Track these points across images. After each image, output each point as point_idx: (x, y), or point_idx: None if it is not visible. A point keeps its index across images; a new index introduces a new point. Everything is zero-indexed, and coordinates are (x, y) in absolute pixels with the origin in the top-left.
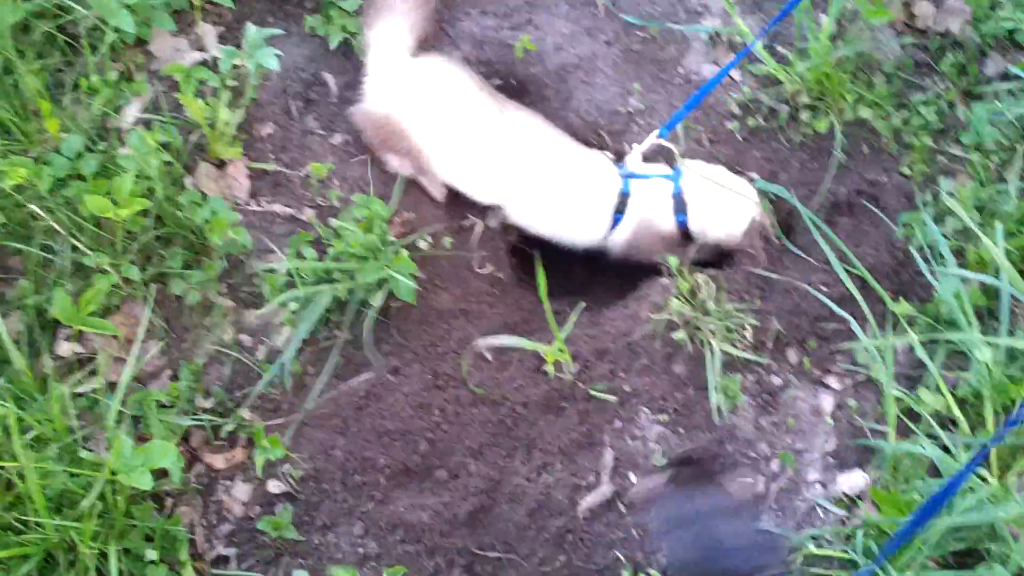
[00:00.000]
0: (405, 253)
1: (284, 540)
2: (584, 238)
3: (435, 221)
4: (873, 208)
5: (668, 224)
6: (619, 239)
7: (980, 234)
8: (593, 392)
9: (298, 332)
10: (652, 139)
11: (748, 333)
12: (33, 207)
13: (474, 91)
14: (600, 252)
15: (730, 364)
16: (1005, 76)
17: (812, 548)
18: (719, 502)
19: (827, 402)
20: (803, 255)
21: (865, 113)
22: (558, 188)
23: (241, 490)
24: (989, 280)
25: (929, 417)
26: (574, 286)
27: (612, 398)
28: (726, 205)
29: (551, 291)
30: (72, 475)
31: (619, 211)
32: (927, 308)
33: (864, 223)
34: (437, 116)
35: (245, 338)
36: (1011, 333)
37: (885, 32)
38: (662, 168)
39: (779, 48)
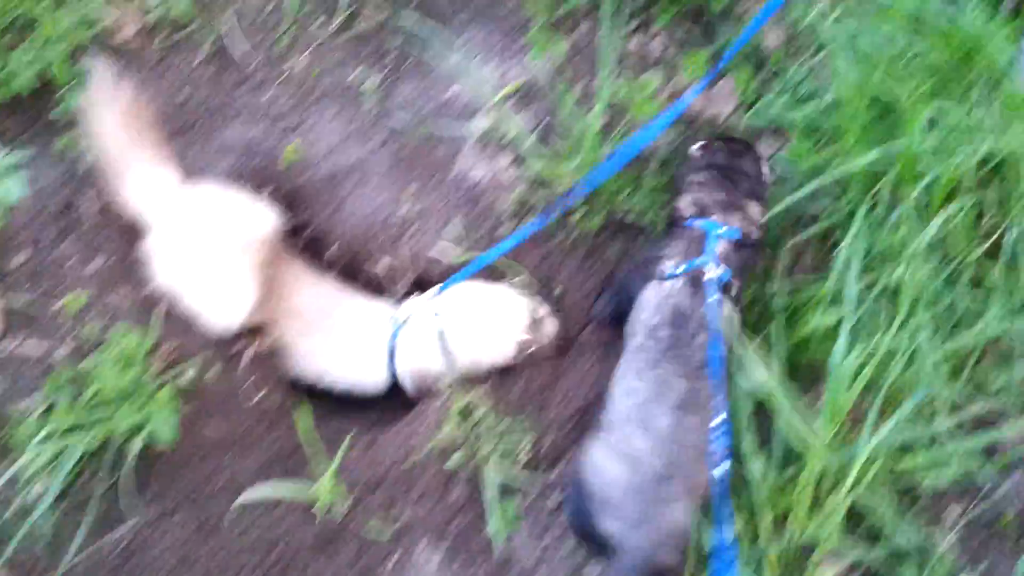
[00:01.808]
0: (167, 391)
1: None
2: (368, 391)
3: (203, 348)
4: None
5: (439, 365)
6: (406, 386)
7: None
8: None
9: (52, 485)
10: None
11: (525, 450)
12: None
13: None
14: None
15: (508, 487)
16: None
17: None
18: None
19: None
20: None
21: (640, 205)
22: (331, 344)
23: None
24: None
25: None
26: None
27: (386, 534)
28: (489, 334)
29: (328, 410)
30: None
31: (391, 358)
32: None
33: None
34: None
35: None
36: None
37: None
38: (421, 301)
39: (555, 143)
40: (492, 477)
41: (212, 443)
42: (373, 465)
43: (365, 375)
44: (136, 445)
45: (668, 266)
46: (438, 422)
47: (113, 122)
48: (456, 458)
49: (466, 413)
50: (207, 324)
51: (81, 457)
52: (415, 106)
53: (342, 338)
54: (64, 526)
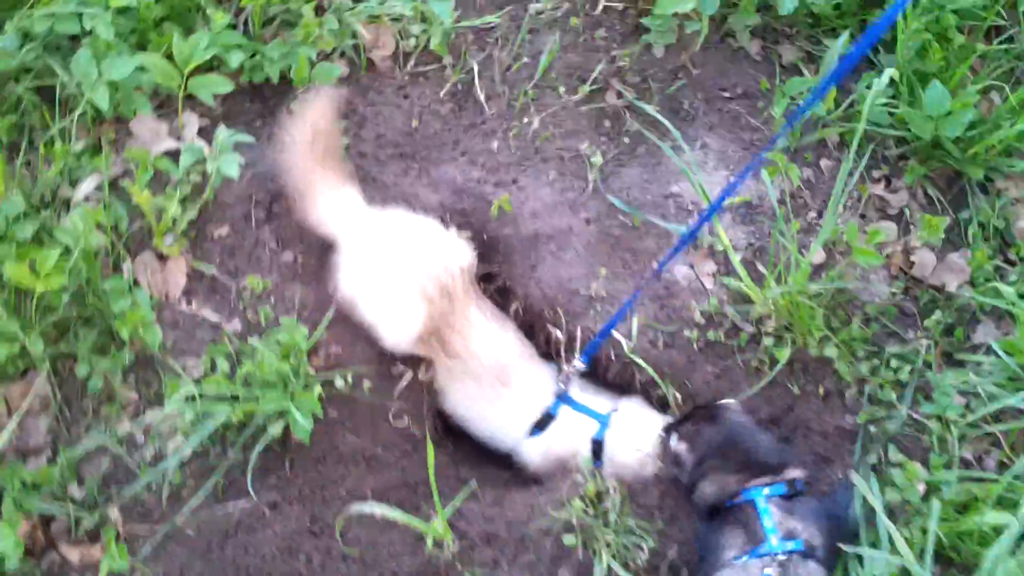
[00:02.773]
0: (317, 390)
1: None
2: (498, 439)
3: (363, 362)
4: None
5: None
6: (532, 454)
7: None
8: None
9: (188, 443)
10: (576, 366)
11: (643, 555)
12: None
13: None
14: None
15: None
16: (990, 349)
17: None
18: None
19: None
20: None
21: (831, 352)
22: (485, 384)
23: None
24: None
25: None
26: (494, 457)
27: None
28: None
29: (470, 457)
30: None
31: (539, 427)
32: None
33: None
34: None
35: (139, 435)
36: None
37: (878, 273)
38: (599, 403)
39: (759, 266)
40: (604, 566)
41: (347, 451)
42: (491, 520)
43: (502, 429)
44: (275, 429)
45: (729, 556)
46: (568, 498)
47: (306, 140)
48: (571, 539)
49: (598, 498)
50: (379, 338)
51: (221, 426)
52: (636, 191)
53: (499, 392)
54: (185, 486)
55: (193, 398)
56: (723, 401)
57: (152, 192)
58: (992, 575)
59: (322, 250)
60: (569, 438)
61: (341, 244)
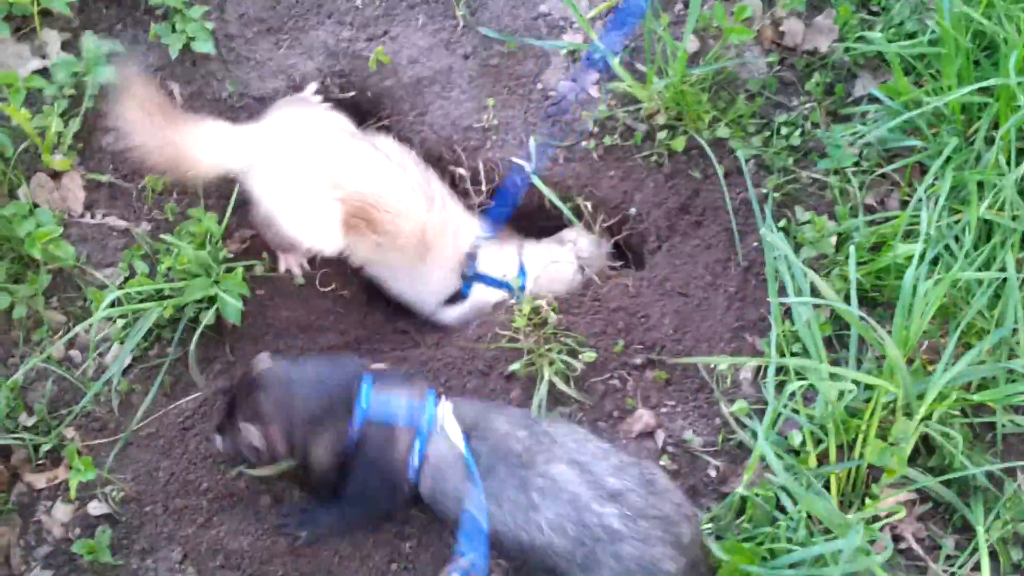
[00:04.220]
0: (239, 271)
1: (100, 564)
2: (417, 308)
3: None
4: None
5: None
6: (449, 320)
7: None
8: None
9: (124, 348)
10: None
11: (579, 367)
12: None
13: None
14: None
15: (559, 398)
16: (874, 98)
17: None
18: None
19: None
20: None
21: (724, 132)
22: (408, 257)
23: (61, 511)
24: (841, 307)
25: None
26: None
27: None
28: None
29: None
30: None
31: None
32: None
33: (713, 245)
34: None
35: (75, 354)
36: (859, 364)
37: (753, 50)
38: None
39: (639, 66)
40: (545, 380)
41: (281, 325)
42: (443, 369)
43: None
44: (209, 316)
45: None
46: (508, 321)
47: (144, 119)
48: (518, 364)
49: (536, 316)
50: (309, 249)
51: (154, 327)
52: (506, 18)
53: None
54: (134, 392)
55: (120, 301)
56: (254, 363)
57: (31, 113)
58: (913, 297)
59: None
60: (482, 306)
61: (238, 173)
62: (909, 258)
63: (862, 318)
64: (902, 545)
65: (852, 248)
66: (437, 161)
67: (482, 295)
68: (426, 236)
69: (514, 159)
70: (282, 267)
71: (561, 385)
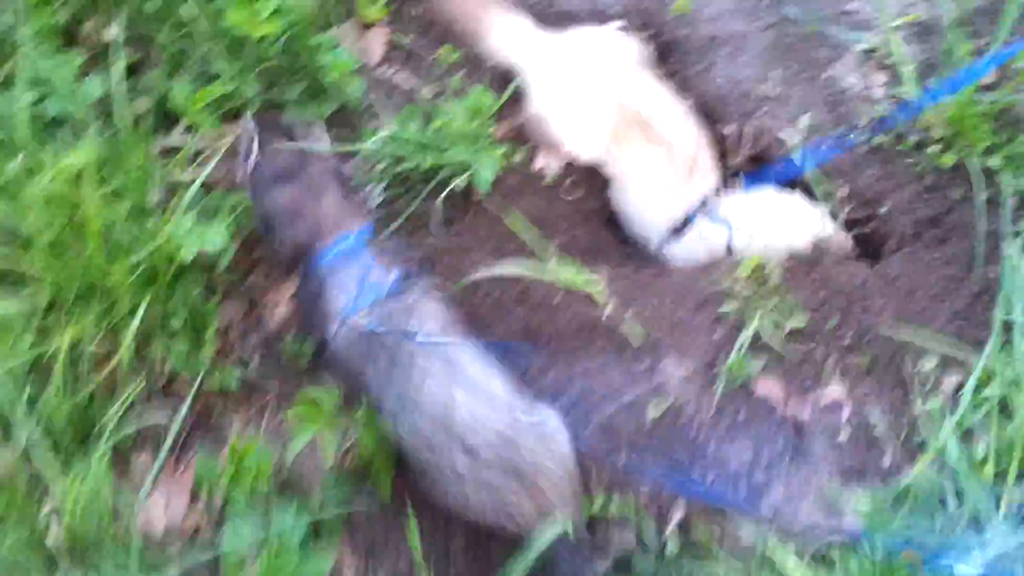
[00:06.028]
0: (499, 151)
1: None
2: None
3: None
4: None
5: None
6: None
7: None
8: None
9: (382, 180)
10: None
11: (791, 326)
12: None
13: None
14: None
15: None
16: None
17: None
18: None
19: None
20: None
21: (995, 163)
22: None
23: (284, 311)
24: None
25: None
26: None
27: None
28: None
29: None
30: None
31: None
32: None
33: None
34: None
35: None
36: None
37: None
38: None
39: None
40: (751, 329)
41: (524, 213)
42: (656, 294)
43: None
44: (459, 181)
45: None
46: (732, 267)
47: None
48: (731, 308)
49: (759, 273)
50: (570, 153)
51: (411, 172)
52: (812, 5)
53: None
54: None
55: (392, 138)
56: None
57: None
58: None
59: None
60: (703, 244)
61: (523, 70)
62: None
63: None
64: None
65: None
66: (705, 117)
67: (706, 229)
68: (698, 154)
69: (780, 134)
70: (539, 164)
71: (765, 337)
